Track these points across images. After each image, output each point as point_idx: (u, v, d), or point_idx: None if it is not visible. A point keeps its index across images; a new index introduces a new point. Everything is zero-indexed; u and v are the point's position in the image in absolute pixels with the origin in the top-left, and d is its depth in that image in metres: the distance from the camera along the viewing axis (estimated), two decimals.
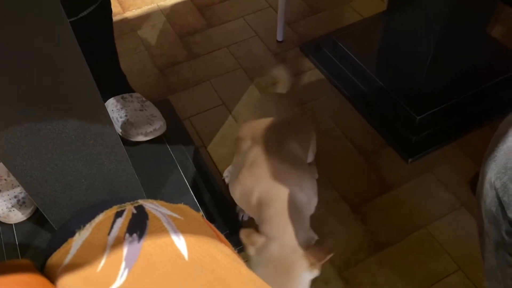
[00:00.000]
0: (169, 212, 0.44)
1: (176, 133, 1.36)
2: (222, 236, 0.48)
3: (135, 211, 0.43)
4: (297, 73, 1.62)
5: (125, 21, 1.85)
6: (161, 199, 1.16)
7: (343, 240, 1.19)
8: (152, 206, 0.44)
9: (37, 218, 1.17)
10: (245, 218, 1.23)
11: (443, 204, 1.24)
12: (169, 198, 1.17)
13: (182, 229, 0.42)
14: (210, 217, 1.15)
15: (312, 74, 1.60)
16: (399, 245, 1.17)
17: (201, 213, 0.50)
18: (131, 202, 0.44)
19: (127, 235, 0.40)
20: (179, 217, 0.44)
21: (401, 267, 1.14)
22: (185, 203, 1.17)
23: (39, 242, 1.14)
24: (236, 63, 1.67)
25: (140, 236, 0.40)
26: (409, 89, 1.16)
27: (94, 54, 1.23)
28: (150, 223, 0.41)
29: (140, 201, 0.45)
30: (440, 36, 1.20)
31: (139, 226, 0.41)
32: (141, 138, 1.25)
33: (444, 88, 1.33)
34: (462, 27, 1.25)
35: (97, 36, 1.22)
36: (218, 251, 0.41)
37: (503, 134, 0.58)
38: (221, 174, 1.33)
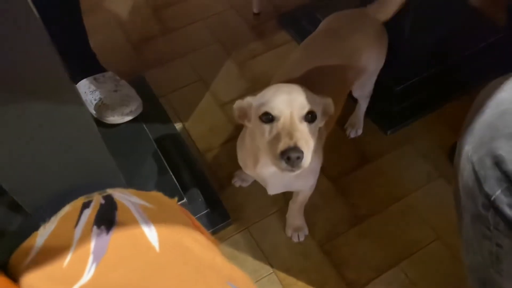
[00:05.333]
0: (140, 201, 0.43)
1: (152, 111, 1.33)
2: (197, 223, 0.47)
3: (103, 201, 0.41)
4: (275, 46, 1.59)
5: None
6: (140, 181, 1.15)
7: (325, 213, 1.19)
8: (121, 196, 0.42)
9: (11, 202, 1.14)
10: (238, 185, 1.23)
11: (422, 174, 1.25)
12: (148, 179, 1.15)
13: (153, 219, 0.40)
14: (190, 197, 1.14)
15: (290, 46, 1.57)
16: (379, 216, 1.19)
17: (176, 199, 0.48)
18: (99, 192, 0.42)
19: (94, 227, 0.38)
20: (150, 206, 0.42)
21: (381, 238, 1.15)
22: (164, 184, 1.16)
23: (14, 227, 1.11)
24: (212, 36, 1.63)
25: (109, 228, 0.38)
26: (388, 59, 1.14)
27: (60, 31, 1.18)
28: (119, 214, 0.40)
29: (109, 191, 0.43)
30: (417, 6, 1.18)
31: (107, 217, 0.39)
32: (117, 120, 1.22)
33: (422, 58, 1.33)
34: None
35: (63, 11, 1.16)
36: (192, 241, 0.40)
37: (480, 107, 0.57)
38: (200, 152, 1.32)
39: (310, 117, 0.78)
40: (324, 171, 1.26)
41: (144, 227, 0.39)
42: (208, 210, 1.15)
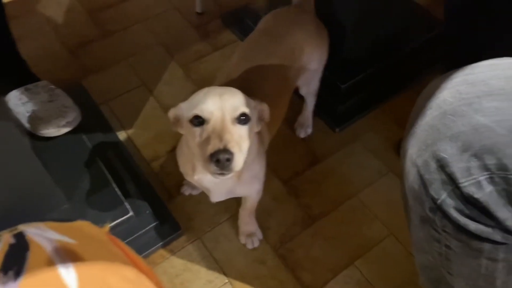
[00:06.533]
0: (58, 237, 0.38)
1: (92, 121, 1.26)
2: (131, 253, 0.43)
3: (13, 241, 0.36)
4: (220, 46, 1.55)
5: None
6: (81, 196, 1.07)
7: (278, 217, 1.17)
8: (36, 232, 0.37)
9: None
10: (187, 193, 1.19)
11: (372, 171, 1.25)
12: (90, 194, 1.08)
13: (73, 257, 0.35)
14: (137, 210, 1.08)
15: (236, 46, 1.53)
16: (331, 215, 1.18)
17: (107, 227, 0.44)
18: (10, 229, 0.37)
19: (1, 274, 0.33)
20: (71, 241, 0.38)
21: (335, 237, 1.14)
22: (108, 197, 1.09)
23: None
24: (154, 38, 1.57)
25: (18, 273, 0.33)
26: (332, 58, 1.14)
27: None
28: (31, 255, 0.35)
29: (21, 227, 0.38)
30: (359, 3, 1.18)
31: (16, 260, 0.34)
32: (53, 133, 1.14)
33: (367, 54, 1.33)
34: None
35: None
36: (118, 279, 0.36)
37: (421, 109, 0.56)
38: (146, 161, 1.26)
39: (243, 119, 0.75)
40: (275, 173, 1.24)
41: (60, 268, 0.34)
42: (157, 222, 1.10)
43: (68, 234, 0.39)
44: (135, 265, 0.42)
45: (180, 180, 1.20)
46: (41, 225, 0.39)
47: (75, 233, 0.40)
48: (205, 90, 0.78)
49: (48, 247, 0.36)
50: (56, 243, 0.37)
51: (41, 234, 0.38)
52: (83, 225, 0.43)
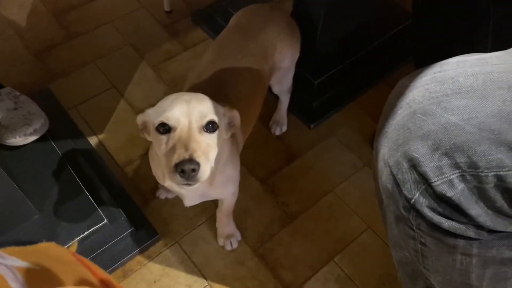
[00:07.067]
0: (19, 263, 0.36)
1: (61, 127, 1.22)
2: (100, 272, 0.41)
3: None
4: (191, 45, 1.52)
5: None
6: (52, 205, 1.04)
7: (256, 216, 1.16)
8: None
9: None
10: (163, 197, 1.17)
11: (348, 165, 1.26)
12: (62, 203, 1.05)
13: (36, 284, 0.34)
14: (111, 217, 1.05)
15: (207, 44, 1.51)
16: (309, 212, 1.18)
17: (75, 246, 0.42)
18: None
19: None
20: (33, 267, 0.36)
21: (314, 234, 1.14)
22: (81, 206, 1.07)
23: None
24: (122, 39, 1.53)
25: None
26: (304, 54, 1.13)
27: None
28: None
29: None
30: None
31: None
32: (20, 142, 1.10)
33: (338, 49, 1.33)
34: None
35: None
36: None
37: (392, 108, 0.56)
38: (119, 166, 1.23)
39: (210, 127, 0.73)
40: (252, 172, 1.23)
41: None
42: (132, 228, 1.07)
43: (31, 259, 0.37)
44: (104, 286, 0.41)
45: (155, 184, 1.18)
46: (1, 252, 0.37)
47: (40, 257, 0.38)
48: (173, 96, 0.76)
49: (9, 276, 0.34)
50: (17, 270, 0.35)
51: (1, 262, 0.36)
52: (48, 247, 0.41)
